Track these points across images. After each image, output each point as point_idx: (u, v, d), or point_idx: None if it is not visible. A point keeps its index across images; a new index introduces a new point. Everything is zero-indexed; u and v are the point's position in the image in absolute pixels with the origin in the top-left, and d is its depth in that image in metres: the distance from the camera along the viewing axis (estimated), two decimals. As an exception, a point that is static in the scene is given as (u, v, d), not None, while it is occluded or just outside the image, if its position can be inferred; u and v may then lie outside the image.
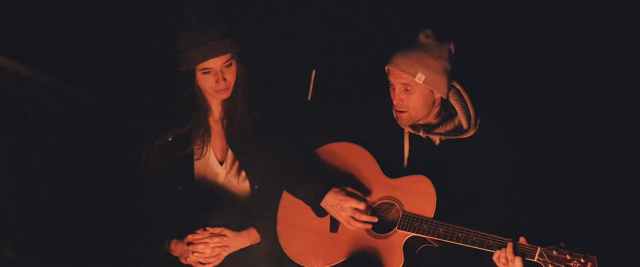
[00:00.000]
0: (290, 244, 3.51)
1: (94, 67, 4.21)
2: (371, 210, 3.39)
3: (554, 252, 3.01)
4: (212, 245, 3.55)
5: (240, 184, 3.70)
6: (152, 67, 4.04)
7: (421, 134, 3.40)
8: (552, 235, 3.09)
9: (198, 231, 3.56)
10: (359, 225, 3.35)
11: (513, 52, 4.01)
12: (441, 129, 3.40)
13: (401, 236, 3.28)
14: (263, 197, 3.64)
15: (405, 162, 3.43)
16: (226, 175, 3.69)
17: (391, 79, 3.37)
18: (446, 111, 3.43)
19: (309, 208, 3.44)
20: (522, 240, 3.09)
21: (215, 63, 3.52)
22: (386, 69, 3.38)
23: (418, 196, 3.29)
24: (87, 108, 4.27)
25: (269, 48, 4.17)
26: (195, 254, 3.54)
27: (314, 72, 3.51)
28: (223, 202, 3.67)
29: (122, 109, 4.25)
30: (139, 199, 3.66)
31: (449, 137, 3.38)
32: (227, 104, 3.66)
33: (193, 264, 3.56)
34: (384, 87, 3.43)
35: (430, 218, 3.24)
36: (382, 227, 3.36)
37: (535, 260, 3.04)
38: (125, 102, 4.24)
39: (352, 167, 3.47)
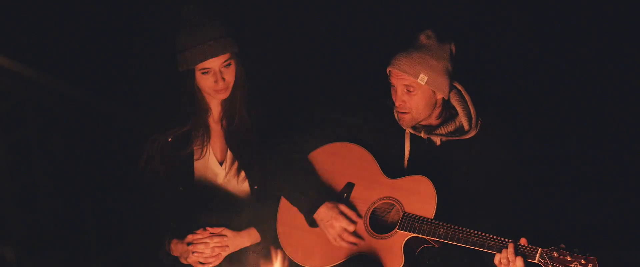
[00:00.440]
0: (290, 244, 3.51)
1: (94, 67, 4.21)
2: (371, 210, 3.39)
3: (555, 254, 3.01)
4: (212, 245, 3.55)
5: (240, 184, 3.70)
6: (152, 67, 4.04)
7: (422, 135, 3.40)
8: (553, 236, 3.09)
9: (198, 231, 3.56)
10: (345, 245, 3.37)
11: (513, 52, 4.01)
12: (442, 130, 3.40)
13: (401, 237, 3.28)
14: (263, 197, 3.64)
15: (406, 162, 3.43)
16: (226, 175, 3.69)
17: (393, 80, 3.37)
18: (447, 112, 3.43)
19: (308, 209, 3.46)
20: (523, 241, 3.09)
21: (214, 63, 3.51)
22: (387, 70, 3.37)
23: (418, 196, 3.29)
24: (87, 108, 4.26)
25: (269, 48, 4.17)
26: (195, 254, 3.54)
27: None
28: (223, 202, 3.67)
29: (122, 109, 4.25)
30: (139, 199, 3.66)
31: (450, 138, 3.38)
32: (226, 104, 3.66)
33: (193, 264, 3.56)
34: (385, 87, 3.42)
35: (431, 219, 3.24)
36: (383, 228, 3.36)
37: (536, 261, 3.04)
38: (125, 102, 4.23)
39: (353, 167, 3.47)
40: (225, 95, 3.58)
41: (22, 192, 4.22)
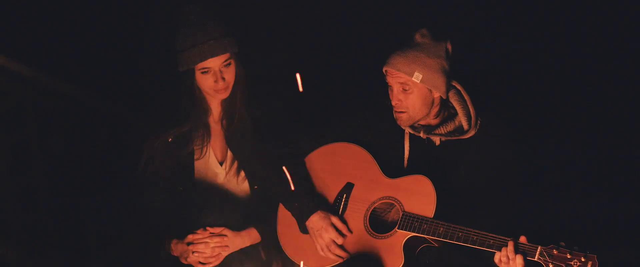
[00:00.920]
0: (290, 244, 3.51)
1: (94, 67, 4.21)
2: (371, 210, 3.39)
3: (555, 252, 3.01)
4: (212, 245, 3.55)
5: (240, 184, 3.70)
6: (153, 67, 4.04)
7: (422, 135, 3.40)
8: (553, 234, 3.09)
9: (198, 231, 3.56)
10: (331, 256, 3.40)
11: (513, 52, 4.01)
12: (441, 130, 3.40)
13: (401, 236, 3.28)
14: (263, 197, 3.64)
15: (406, 162, 3.43)
16: (226, 175, 3.69)
17: (389, 79, 3.37)
18: (446, 111, 3.43)
19: (308, 209, 3.47)
20: (522, 239, 3.09)
21: (214, 63, 3.52)
22: (384, 70, 3.38)
23: (418, 195, 3.29)
24: (87, 108, 4.26)
25: (269, 49, 4.17)
26: (196, 254, 3.54)
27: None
28: (223, 202, 3.67)
29: (122, 109, 4.25)
30: (139, 199, 3.66)
31: (449, 138, 3.38)
32: (226, 104, 3.66)
33: (193, 264, 3.56)
34: (384, 88, 3.42)
35: (431, 218, 3.24)
36: (383, 227, 3.36)
37: (536, 259, 3.04)
38: (125, 102, 4.23)
39: (353, 167, 3.47)
40: (225, 95, 3.58)
41: (22, 192, 4.21)
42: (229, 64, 3.55)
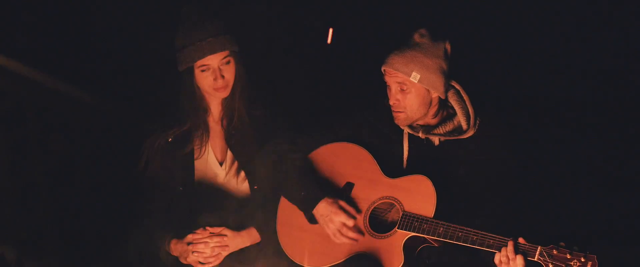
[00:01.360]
0: (290, 243, 3.51)
1: (94, 67, 4.21)
2: (371, 210, 3.39)
3: (554, 252, 3.01)
4: (212, 245, 3.55)
5: (240, 184, 3.70)
6: (153, 67, 4.04)
7: (420, 135, 3.40)
8: (552, 234, 3.09)
9: (198, 231, 3.56)
10: (345, 240, 3.37)
11: (512, 52, 4.01)
12: (440, 130, 3.40)
13: (401, 236, 3.28)
14: (263, 197, 3.64)
15: (405, 162, 3.43)
16: (226, 175, 3.69)
17: (387, 79, 3.37)
18: (445, 111, 3.43)
19: (306, 210, 3.46)
20: (521, 240, 3.09)
21: (213, 60, 3.52)
22: (382, 69, 3.38)
23: (418, 195, 3.29)
24: (87, 108, 4.27)
25: (269, 49, 4.17)
26: (195, 254, 3.54)
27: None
28: (223, 202, 3.67)
29: (123, 108, 4.25)
30: (139, 199, 3.66)
31: (448, 138, 3.38)
32: (226, 104, 3.66)
33: (193, 264, 3.57)
34: (384, 88, 3.42)
35: (430, 218, 3.24)
36: (382, 227, 3.36)
37: (535, 259, 3.04)
38: (125, 102, 4.23)
39: (352, 167, 3.47)
40: (225, 93, 3.58)
41: (22, 192, 4.22)
42: (229, 62, 3.55)
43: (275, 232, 3.56)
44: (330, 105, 4.01)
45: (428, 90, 3.34)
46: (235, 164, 3.68)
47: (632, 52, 3.88)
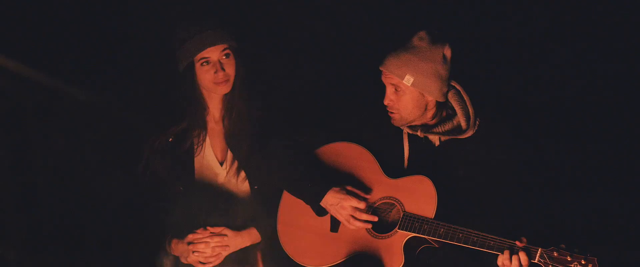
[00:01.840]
0: (290, 243, 3.51)
1: (94, 67, 4.20)
2: (372, 210, 3.39)
3: (555, 254, 3.01)
4: (212, 244, 3.56)
5: (240, 184, 3.71)
6: (153, 67, 4.03)
7: (419, 133, 3.40)
8: (553, 236, 3.09)
9: (198, 231, 3.56)
10: (359, 224, 3.34)
11: (512, 52, 4.01)
12: (439, 129, 3.40)
13: (402, 236, 3.28)
14: (263, 197, 3.64)
15: (406, 162, 3.43)
16: (226, 175, 3.69)
17: (383, 79, 3.38)
18: (444, 112, 3.42)
19: (309, 208, 3.44)
20: (523, 240, 3.09)
21: (213, 52, 3.53)
22: (380, 69, 3.38)
23: (419, 196, 3.29)
24: (87, 108, 4.26)
25: (269, 49, 4.17)
26: (196, 254, 3.54)
27: None
28: (223, 202, 3.68)
29: (123, 108, 4.24)
30: (139, 199, 3.66)
31: (447, 137, 3.38)
32: (226, 102, 3.66)
33: (193, 264, 3.57)
34: (384, 87, 3.42)
35: (431, 218, 3.24)
36: (383, 227, 3.36)
37: (536, 261, 3.04)
38: (125, 102, 4.23)
39: (353, 166, 3.47)
40: (226, 88, 3.58)
41: (22, 192, 4.22)
42: (228, 55, 3.55)
43: (275, 231, 3.56)
44: (330, 105, 4.01)
45: (422, 94, 3.33)
46: (236, 164, 3.68)
47: (633, 52, 3.88)
